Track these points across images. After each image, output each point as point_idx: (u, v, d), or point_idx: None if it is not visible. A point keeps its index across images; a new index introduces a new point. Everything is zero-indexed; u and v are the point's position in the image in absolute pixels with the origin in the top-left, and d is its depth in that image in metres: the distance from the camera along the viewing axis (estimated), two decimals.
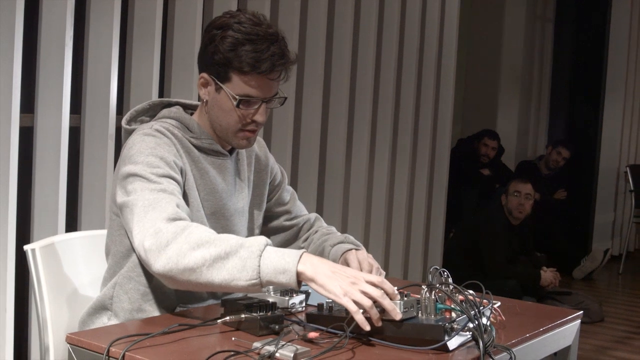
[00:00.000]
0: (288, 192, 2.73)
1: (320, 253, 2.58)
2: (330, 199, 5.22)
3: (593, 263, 8.04)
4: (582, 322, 5.96)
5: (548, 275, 6.22)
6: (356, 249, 2.53)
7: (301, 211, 2.75)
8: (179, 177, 2.23)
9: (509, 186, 6.35)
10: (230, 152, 2.46)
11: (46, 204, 3.49)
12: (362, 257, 2.46)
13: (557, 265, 6.76)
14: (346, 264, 2.44)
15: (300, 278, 1.98)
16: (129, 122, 2.43)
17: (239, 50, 2.23)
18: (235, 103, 2.28)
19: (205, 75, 2.33)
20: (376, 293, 1.93)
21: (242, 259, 1.98)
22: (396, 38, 5.59)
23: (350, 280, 1.97)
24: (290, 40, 4.60)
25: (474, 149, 7.96)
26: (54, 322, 2.40)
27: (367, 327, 1.90)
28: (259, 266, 1.97)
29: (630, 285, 8.30)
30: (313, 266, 1.98)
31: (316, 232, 2.70)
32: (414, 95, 5.84)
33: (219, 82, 2.29)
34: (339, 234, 2.65)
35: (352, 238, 2.59)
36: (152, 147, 2.22)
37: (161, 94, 3.96)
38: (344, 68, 5.16)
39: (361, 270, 2.38)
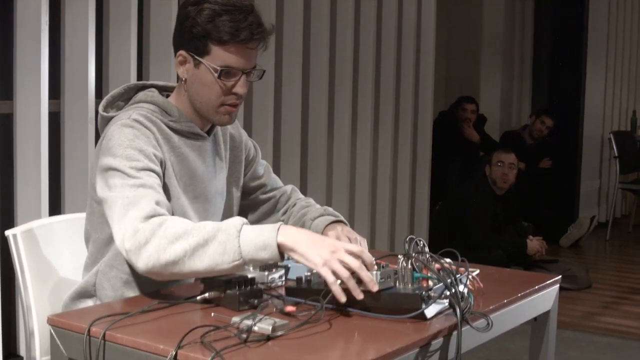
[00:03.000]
0: (262, 166, 2.72)
1: (301, 227, 2.57)
2: (314, 176, 5.24)
3: (580, 230, 8.07)
4: (569, 289, 6.04)
5: (534, 244, 6.25)
6: (336, 221, 2.55)
7: (277, 183, 2.74)
8: (158, 168, 2.23)
9: (492, 156, 6.37)
10: (208, 133, 2.46)
11: (29, 190, 3.49)
12: (340, 233, 2.48)
13: (543, 233, 6.80)
14: None
15: (281, 250, 2.00)
16: (105, 108, 2.42)
17: (217, 21, 2.24)
18: (216, 75, 2.29)
19: (183, 52, 2.33)
20: (355, 264, 1.95)
21: (221, 243, 2.00)
22: (374, 13, 5.59)
23: (330, 249, 1.99)
24: (268, 15, 4.63)
25: (455, 117, 8.00)
26: (38, 307, 2.42)
27: (343, 299, 1.93)
28: (239, 246, 1.99)
29: (617, 251, 8.34)
30: (292, 236, 2.01)
31: (294, 204, 2.70)
32: (394, 70, 5.85)
33: (197, 57, 2.29)
34: (318, 206, 2.66)
35: (331, 210, 2.61)
36: (131, 139, 2.22)
37: (140, 76, 3.96)
38: (322, 43, 5.16)
39: None
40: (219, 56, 2.28)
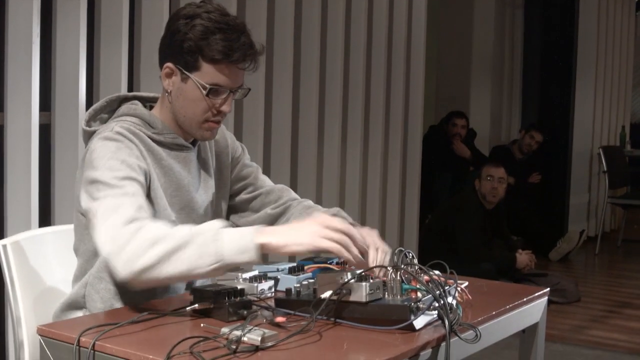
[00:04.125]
0: (249, 167, 2.69)
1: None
2: (303, 188, 5.24)
3: (569, 244, 8.10)
4: (558, 303, 6.03)
5: (524, 257, 6.27)
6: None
7: (264, 183, 2.70)
8: (141, 178, 2.22)
9: (481, 171, 6.39)
10: (193, 143, 2.46)
11: (19, 201, 3.49)
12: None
13: (533, 248, 6.82)
14: None
15: (265, 251, 2.00)
16: (88, 123, 2.42)
17: (210, 39, 2.24)
18: (205, 92, 2.29)
19: (170, 65, 2.33)
20: (346, 228, 1.98)
21: (198, 247, 1.99)
22: (364, 27, 5.61)
23: (314, 223, 2.00)
24: (259, 34, 4.65)
25: (445, 132, 8.04)
26: (28, 318, 2.42)
27: (359, 258, 1.98)
28: (217, 249, 1.98)
29: (606, 265, 8.37)
30: (272, 234, 2.02)
31: (289, 205, 2.66)
32: (384, 83, 5.87)
33: (186, 72, 2.30)
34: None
35: (344, 213, 2.60)
36: (113, 151, 2.22)
37: (130, 88, 3.97)
38: (312, 57, 5.17)
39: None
40: (209, 74, 2.29)
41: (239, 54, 2.27)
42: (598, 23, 9.26)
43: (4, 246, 2.41)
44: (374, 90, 5.81)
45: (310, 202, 2.67)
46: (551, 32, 9.19)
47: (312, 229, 1.99)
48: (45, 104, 3.68)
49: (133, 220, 2.06)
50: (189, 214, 2.42)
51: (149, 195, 2.27)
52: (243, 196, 2.66)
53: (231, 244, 1.99)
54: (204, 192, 2.49)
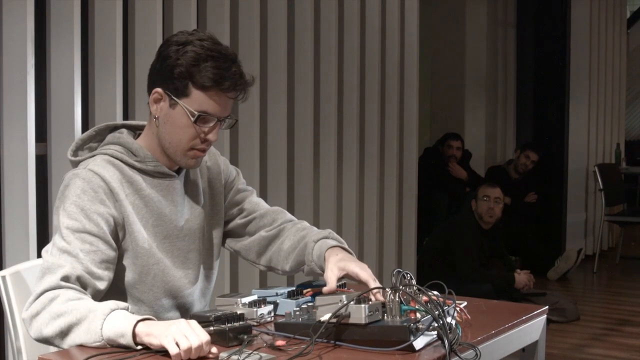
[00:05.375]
0: (243, 192, 2.68)
1: (302, 249, 2.53)
2: (300, 212, 5.24)
3: (567, 263, 8.09)
4: (558, 322, 6.03)
5: (522, 277, 6.27)
6: (339, 246, 2.49)
7: (258, 207, 2.68)
8: (97, 228, 2.25)
9: (477, 191, 6.40)
10: (178, 171, 2.46)
11: (17, 232, 3.50)
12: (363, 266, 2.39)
13: (531, 267, 6.82)
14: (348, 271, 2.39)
15: (138, 339, 2.01)
16: (75, 152, 2.45)
17: (201, 66, 2.26)
18: (193, 119, 2.30)
19: (159, 90, 2.33)
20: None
21: (89, 323, 2.06)
22: (357, 49, 5.63)
23: (178, 329, 1.96)
24: (252, 55, 4.67)
25: (440, 154, 8.05)
26: (28, 349, 2.41)
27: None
28: (102, 329, 2.03)
29: (605, 284, 8.37)
30: (149, 327, 2.02)
31: (283, 227, 2.64)
32: (378, 105, 5.88)
33: (175, 98, 2.30)
34: (316, 229, 2.62)
35: (335, 234, 2.57)
36: (78, 195, 2.26)
37: (125, 116, 3.97)
38: (306, 81, 5.18)
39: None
40: (198, 101, 2.29)
41: (230, 82, 2.28)
42: (590, 40, 9.29)
43: (3, 277, 2.42)
44: (368, 112, 5.82)
45: (305, 224, 2.67)
46: (544, 50, 9.22)
47: (172, 330, 1.96)
48: (41, 135, 3.69)
49: (54, 288, 2.15)
50: (173, 242, 2.42)
51: (125, 232, 2.32)
52: (238, 221, 2.66)
53: (114, 326, 2.04)
54: (191, 220, 2.48)
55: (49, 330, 2.10)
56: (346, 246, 2.52)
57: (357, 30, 5.63)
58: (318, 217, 5.40)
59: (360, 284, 2.33)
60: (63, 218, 2.24)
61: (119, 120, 3.81)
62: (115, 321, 2.03)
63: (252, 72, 4.57)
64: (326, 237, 2.53)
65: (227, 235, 2.68)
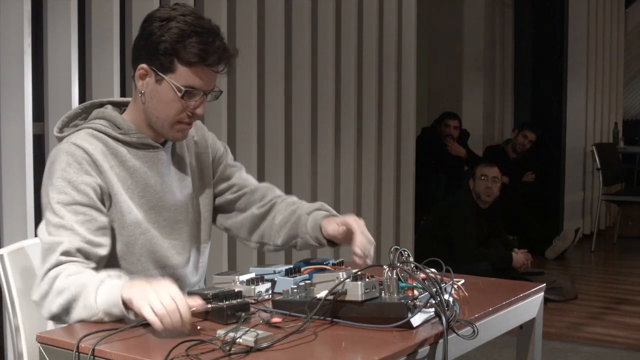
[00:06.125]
0: (233, 167, 2.70)
1: (296, 221, 2.59)
2: (298, 193, 5.21)
3: (565, 242, 8.11)
4: (555, 301, 6.04)
5: (520, 256, 6.28)
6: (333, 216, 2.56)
7: (248, 182, 2.71)
8: (86, 198, 2.27)
9: (475, 170, 6.40)
10: (164, 143, 2.48)
11: (14, 211, 3.50)
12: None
13: (529, 246, 6.82)
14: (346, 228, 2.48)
15: (129, 305, 2.03)
16: (61, 129, 2.45)
17: (186, 42, 2.27)
18: (180, 94, 2.31)
19: (145, 66, 2.34)
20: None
21: (84, 299, 2.08)
22: (355, 29, 5.62)
23: (154, 291, 1.98)
24: (249, 32, 4.66)
25: (438, 133, 8.05)
26: (27, 327, 2.42)
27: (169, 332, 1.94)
28: (96, 303, 2.05)
29: (602, 263, 8.39)
30: (132, 289, 2.03)
31: (274, 202, 2.68)
32: (376, 85, 5.88)
33: (160, 74, 2.31)
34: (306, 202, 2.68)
35: (326, 206, 2.63)
36: (63, 168, 2.28)
37: (123, 95, 3.97)
38: (304, 62, 5.18)
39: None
40: (184, 76, 2.31)
41: (215, 57, 2.30)
42: (588, 20, 9.28)
43: (1, 256, 2.42)
44: (365, 93, 5.81)
45: (294, 198, 2.71)
46: (542, 30, 9.21)
47: (149, 296, 1.97)
48: (39, 115, 3.68)
49: (57, 265, 2.17)
50: (159, 213, 2.44)
51: (111, 202, 2.33)
52: (228, 196, 2.68)
53: (104, 298, 2.06)
54: (178, 191, 2.49)
55: (55, 307, 2.13)
56: (336, 214, 2.59)
57: (354, 10, 5.62)
58: (316, 198, 5.40)
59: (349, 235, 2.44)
60: (52, 193, 2.26)
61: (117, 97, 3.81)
62: (105, 292, 2.06)
63: (250, 49, 4.59)
64: (318, 209, 2.60)
65: (217, 211, 2.69)
